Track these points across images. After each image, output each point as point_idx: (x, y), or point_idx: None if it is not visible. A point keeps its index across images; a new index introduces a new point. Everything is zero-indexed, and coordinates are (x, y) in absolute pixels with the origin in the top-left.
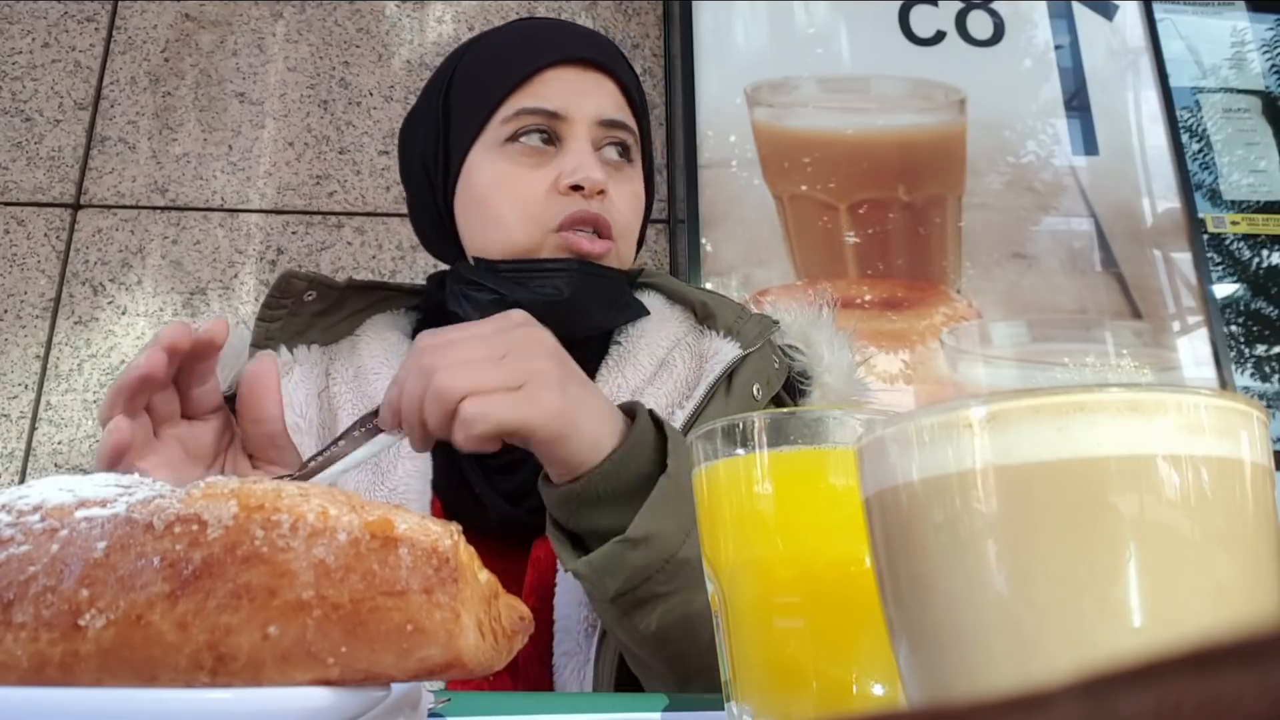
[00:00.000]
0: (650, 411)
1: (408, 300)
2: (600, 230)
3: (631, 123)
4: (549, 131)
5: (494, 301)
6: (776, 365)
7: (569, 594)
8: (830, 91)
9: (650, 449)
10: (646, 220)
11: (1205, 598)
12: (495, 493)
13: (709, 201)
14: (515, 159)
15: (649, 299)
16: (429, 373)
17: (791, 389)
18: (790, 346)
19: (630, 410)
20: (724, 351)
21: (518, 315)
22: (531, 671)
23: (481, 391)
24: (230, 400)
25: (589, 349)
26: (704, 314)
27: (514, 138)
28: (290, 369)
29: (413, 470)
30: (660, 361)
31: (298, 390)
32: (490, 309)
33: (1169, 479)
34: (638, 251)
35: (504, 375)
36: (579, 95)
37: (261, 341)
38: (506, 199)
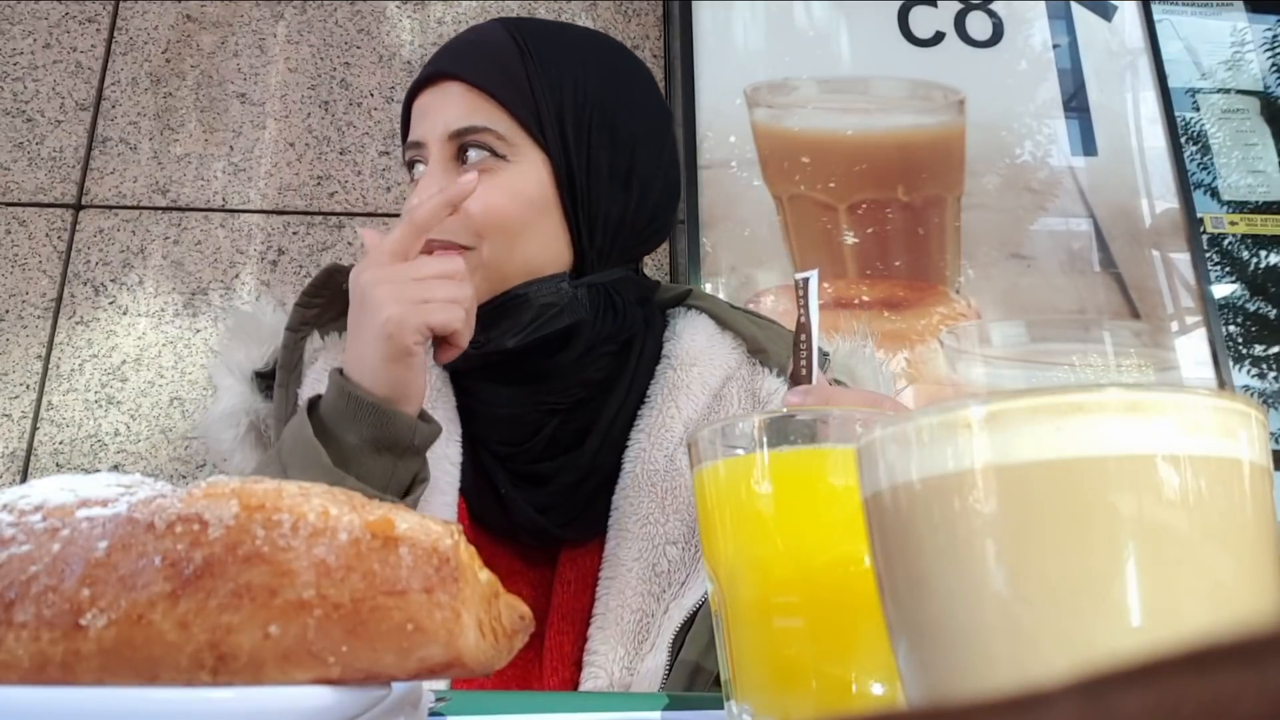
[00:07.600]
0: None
1: None
2: (449, 247)
3: (489, 120)
4: (423, 162)
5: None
6: None
7: (605, 631)
8: (830, 92)
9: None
10: (588, 195)
11: (1204, 597)
12: (523, 501)
13: (709, 202)
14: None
15: (697, 322)
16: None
17: None
18: (836, 381)
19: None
20: (780, 394)
21: None
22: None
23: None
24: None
25: (640, 369)
26: (755, 346)
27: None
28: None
29: (439, 474)
30: (714, 394)
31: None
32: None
33: (1168, 479)
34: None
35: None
36: (427, 117)
37: (297, 326)
38: None
